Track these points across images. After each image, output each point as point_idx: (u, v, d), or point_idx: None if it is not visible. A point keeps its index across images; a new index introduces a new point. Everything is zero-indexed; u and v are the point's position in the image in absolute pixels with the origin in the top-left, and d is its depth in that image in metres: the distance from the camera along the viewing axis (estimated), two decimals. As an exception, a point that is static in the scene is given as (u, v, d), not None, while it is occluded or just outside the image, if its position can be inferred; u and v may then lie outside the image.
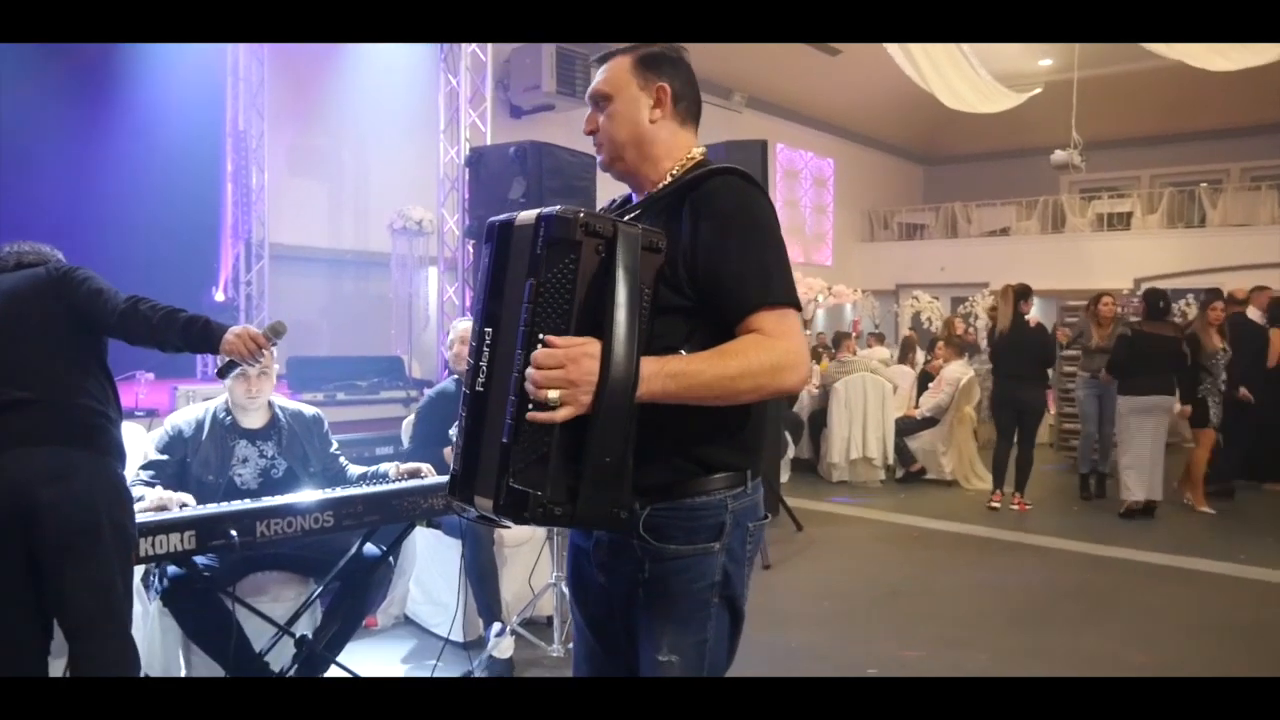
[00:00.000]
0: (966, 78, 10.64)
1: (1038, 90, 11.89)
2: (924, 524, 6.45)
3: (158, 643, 3.25)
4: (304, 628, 3.04)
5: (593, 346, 1.37)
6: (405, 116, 8.06)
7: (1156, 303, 6.67)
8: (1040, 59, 14.70)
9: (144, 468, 2.96)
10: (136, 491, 2.80)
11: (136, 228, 6.82)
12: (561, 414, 1.36)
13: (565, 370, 1.36)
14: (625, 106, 1.66)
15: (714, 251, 1.51)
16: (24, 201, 6.14)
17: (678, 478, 1.56)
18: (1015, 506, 6.94)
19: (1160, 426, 6.51)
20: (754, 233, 1.53)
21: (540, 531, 3.79)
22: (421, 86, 7.62)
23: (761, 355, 1.46)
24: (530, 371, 1.37)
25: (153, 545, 2.41)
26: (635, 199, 1.72)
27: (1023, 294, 6.97)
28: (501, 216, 1.59)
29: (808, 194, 17.08)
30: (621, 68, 1.67)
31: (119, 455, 2.37)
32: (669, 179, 1.65)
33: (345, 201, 9.04)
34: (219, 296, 8.14)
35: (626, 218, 1.60)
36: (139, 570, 3.31)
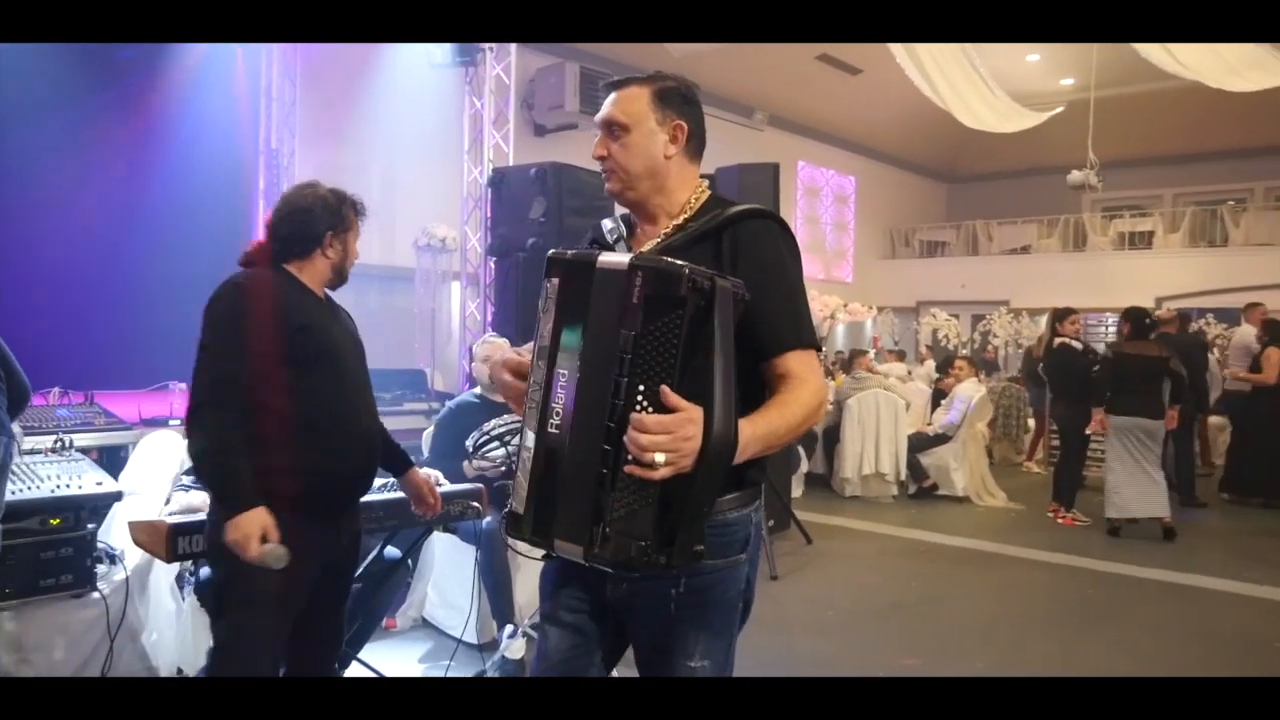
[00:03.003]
0: (983, 98, 10.75)
1: (1059, 109, 11.98)
2: (933, 539, 6.55)
3: (189, 638, 3.44)
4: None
5: (696, 414, 1.40)
6: (430, 137, 8.30)
7: (1141, 321, 6.65)
8: (1061, 78, 14.78)
9: (186, 473, 3.16)
10: (177, 496, 3.01)
11: (174, 241, 7.07)
12: (661, 474, 1.39)
13: (672, 437, 1.38)
14: (643, 139, 1.70)
15: (754, 293, 1.54)
16: (72, 214, 6.46)
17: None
18: (1050, 514, 7.13)
19: (1140, 446, 6.42)
20: (790, 280, 1.67)
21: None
22: (446, 108, 7.86)
23: (809, 400, 1.60)
24: (635, 435, 1.38)
25: (190, 543, 2.60)
26: (633, 220, 1.80)
27: (1059, 316, 7.23)
28: (572, 252, 1.58)
29: (829, 211, 17.20)
30: (640, 100, 1.71)
31: None
32: (689, 209, 1.73)
33: (371, 218, 9.18)
34: (250, 309, 8.40)
35: (659, 247, 1.68)
36: (172, 570, 3.54)
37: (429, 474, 3.35)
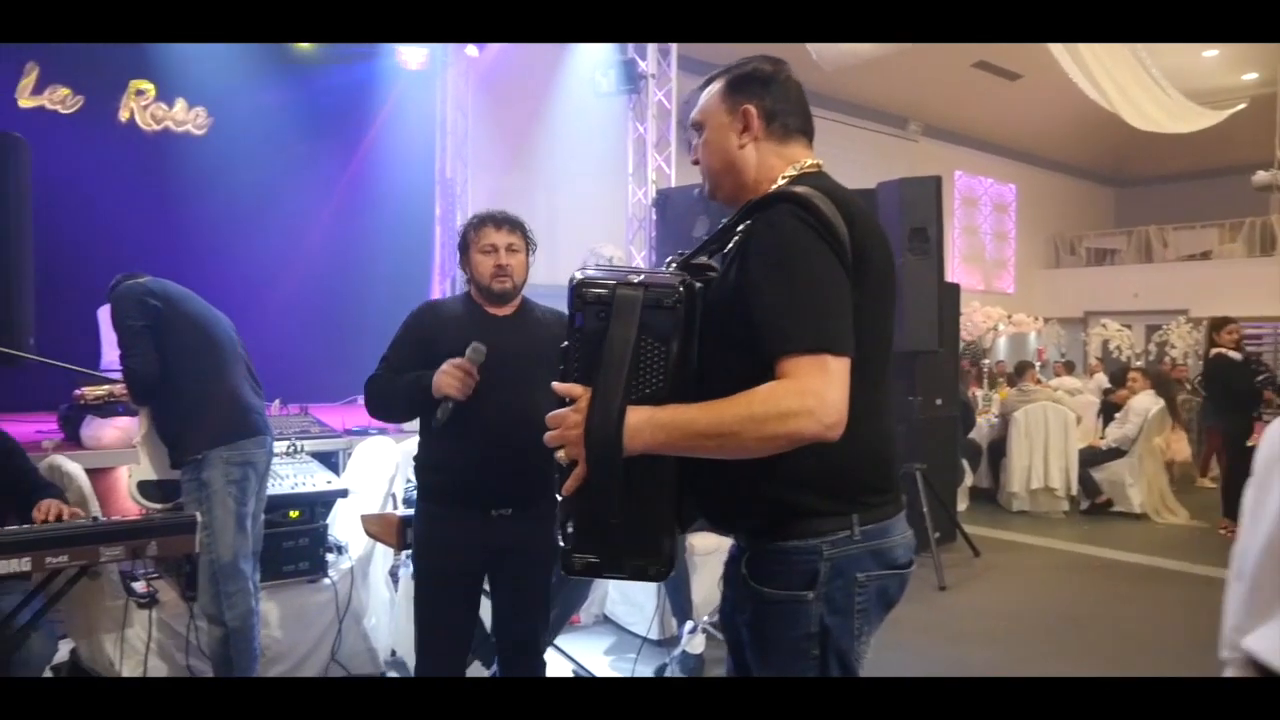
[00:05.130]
0: (1154, 97, 10.27)
1: (1241, 106, 11.30)
2: (1108, 555, 6.36)
3: (401, 624, 3.82)
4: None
5: (580, 400, 1.42)
6: (596, 162, 8.69)
7: None
8: (1243, 73, 13.92)
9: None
10: None
11: (362, 265, 7.76)
12: (576, 471, 1.42)
13: (560, 429, 1.44)
14: (714, 134, 1.62)
15: (750, 291, 1.44)
16: (284, 238, 7.23)
17: (770, 520, 1.51)
18: (1222, 531, 6.82)
19: None
20: (782, 272, 1.41)
21: (726, 541, 4.14)
22: (611, 134, 8.22)
23: (767, 402, 1.35)
24: (545, 436, 1.46)
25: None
26: None
27: (1215, 326, 6.99)
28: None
29: (988, 220, 16.76)
30: (712, 94, 1.64)
31: None
32: None
33: (537, 239, 9.77)
34: (428, 328, 9.02)
35: (729, 245, 1.57)
36: (386, 561, 3.93)
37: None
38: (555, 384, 1.47)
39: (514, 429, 2.41)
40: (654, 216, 6.89)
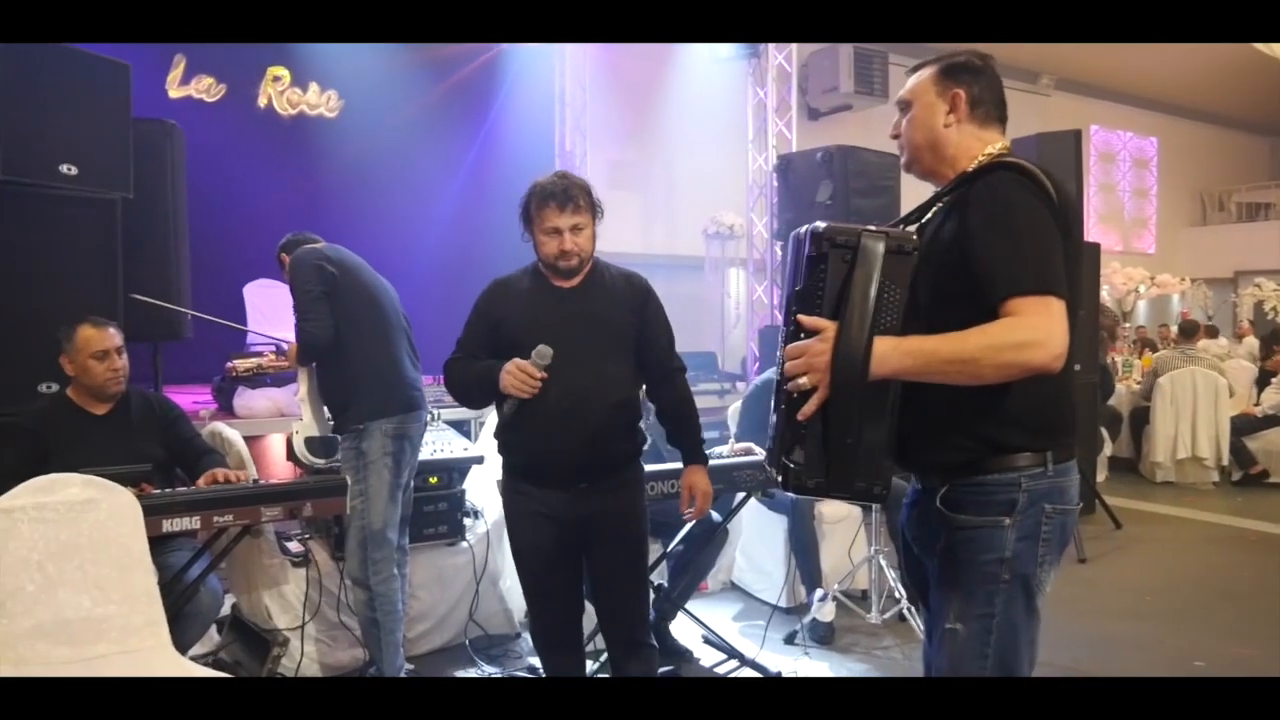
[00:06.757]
0: (1320, 39, 9.48)
1: None
2: (1266, 529, 5.99)
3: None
4: (656, 579, 3.57)
5: (828, 333, 1.55)
6: (714, 129, 8.62)
7: None
8: None
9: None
10: None
11: (487, 237, 7.91)
12: (816, 396, 1.55)
13: (805, 357, 1.57)
14: (922, 112, 1.80)
15: (972, 242, 1.60)
16: (413, 213, 7.48)
17: (972, 457, 1.66)
18: None
19: None
20: (1008, 224, 1.58)
21: (857, 509, 4.09)
22: (729, 101, 8.12)
23: (1004, 333, 1.52)
24: (786, 361, 1.60)
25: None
26: None
27: None
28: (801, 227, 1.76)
29: (1126, 177, 15.84)
30: (924, 77, 1.82)
31: None
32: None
33: (654, 211, 9.77)
34: (549, 300, 9.17)
35: (928, 215, 1.77)
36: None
37: (747, 446, 3.60)
38: (802, 317, 1.60)
39: (583, 403, 2.41)
40: (775, 183, 6.78)
